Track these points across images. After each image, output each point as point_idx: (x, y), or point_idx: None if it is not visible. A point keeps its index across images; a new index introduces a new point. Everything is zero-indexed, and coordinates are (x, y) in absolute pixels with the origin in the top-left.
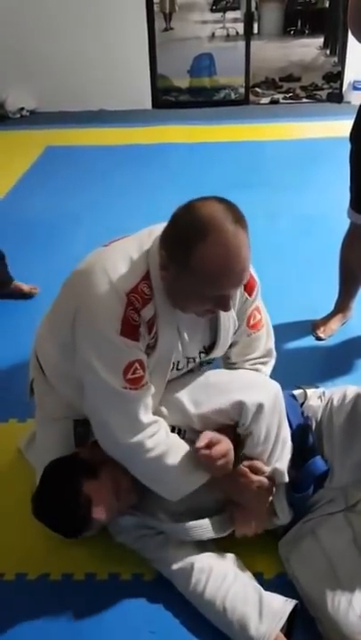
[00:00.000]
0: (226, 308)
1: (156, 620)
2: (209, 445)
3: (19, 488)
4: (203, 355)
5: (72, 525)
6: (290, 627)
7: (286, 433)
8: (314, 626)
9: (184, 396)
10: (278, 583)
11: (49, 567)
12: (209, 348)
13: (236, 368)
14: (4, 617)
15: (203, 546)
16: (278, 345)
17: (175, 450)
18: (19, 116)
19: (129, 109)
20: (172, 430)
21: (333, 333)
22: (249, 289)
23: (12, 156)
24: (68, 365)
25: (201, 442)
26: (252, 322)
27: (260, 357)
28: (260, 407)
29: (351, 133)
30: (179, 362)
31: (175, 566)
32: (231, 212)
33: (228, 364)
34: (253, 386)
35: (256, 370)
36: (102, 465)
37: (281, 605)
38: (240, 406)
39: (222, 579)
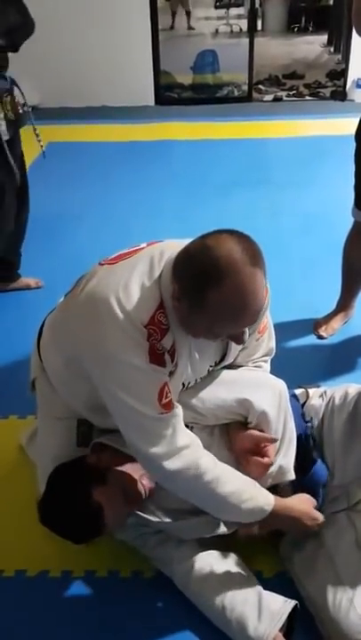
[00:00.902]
0: (240, 343)
1: (155, 617)
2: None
3: (20, 485)
4: (212, 367)
5: (83, 532)
6: (290, 627)
7: (292, 431)
8: (314, 626)
9: (191, 393)
10: (278, 582)
11: (48, 564)
12: (219, 362)
13: (238, 366)
14: (3, 613)
15: (203, 544)
16: (280, 343)
17: (229, 475)
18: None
19: (132, 106)
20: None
21: (335, 332)
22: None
23: None
24: (71, 377)
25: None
26: (261, 327)
27: (262, 357)
28: (266, 405)
29: (357, 132)
30: (189, 382)
31: (175, 564)
32: (248, 251)
33: (231, 364)
34: (260, 384)
35: (258, 367)
36: (109, 470)
37: (280, 606)
38: (247, 404)
39: (222, 577)
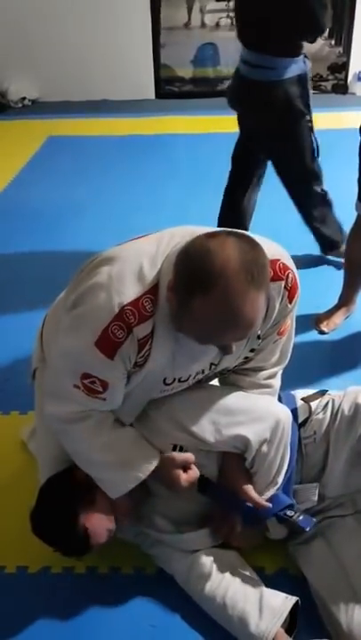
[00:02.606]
0: (227, 353)
1: (156, 613)
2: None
3: (21, 480)
4: (213, 366)
5: (71, 551)
6: (292, 623)
7: (285, 465)
8: (316, 622)
9: (187, 417)
10: (279, 578)
11: (50, 560)
12: (218, 361)
13: (248, 382)
14: (4, 609)
15: None
16: None
17: (113, 436)
18: (21, 105)
19: (132, 99)
20: (174, 449)
21: (337, 327)
22: (292, 296)
23: (14, 145)
24: None
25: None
26: (282, 328)
27: (275, 364)
28: (263, 443)
29: None
30: (181, 378)
31: (176, 562)
32: (248, 265)
33: (241, 373)
34: (261, 418)
35: (268, 386)
36: (98, 488)
37: (281, 603)
38: (245, 441)
39: (223, 574)
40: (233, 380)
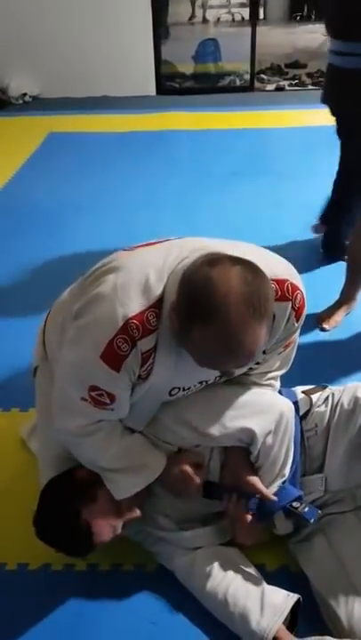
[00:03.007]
0: (228, 376)
1: (157, 610)
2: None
3: (21, 478)
4: (218, 378)
5: (75, 551)
6: (293, 620)
7: (290, 456)
8: (317, 619)
9: (194, 415)
10: (280, 576)
11: (51, 557)
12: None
13: (251, 382)
14: (5, 607)
15: None
16: None
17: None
18: (21, 101)
19: (133, 95)
20: (179, 450)
21: (338, 325)
22: (299, 315)
23: (15, 142)
24: None
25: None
26: (287, 342)
27: (278, 369)
28: (268, 435)
29: None
30: (183, 387)
31: (177, 559)
32: (249, 297)
33: (244, 375)
34: (263, 410)
35: (270, 385)
36: (101, 484)
37: (283, 600)
38: (250, 434)
39: (224, 571)
40: (236, 381)
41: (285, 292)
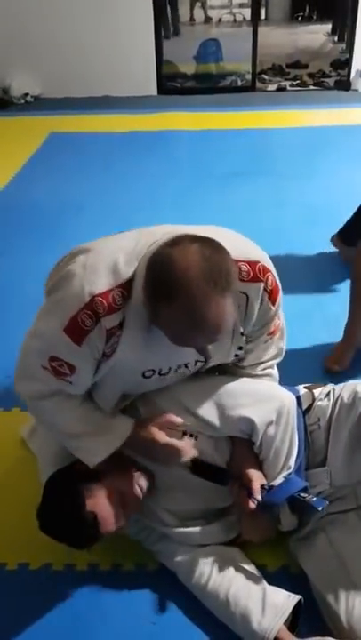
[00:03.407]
0: (203, 355)
1: (158, 610)
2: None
3: (21, 477)
4: (199, 363)
5: (81, 541)
6: (295, 621)
7: (295, 448)
8: (319, 620)
9: (193, 401)
10: (281, 576)
11: (51, 557)
12: (205, 360)
13: (246, 373)
14: (5, 607)
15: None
16: None
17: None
18: (23, 101)
19: (134, 96)
20: (184, 433)
21: (348, 366)
22: (273, 298)
23: (16, 142)
24: None
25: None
26: (272, 328)
27: (271, 359)
28: (270, 425)
29: None
30: (160, 370)
31: (178, 558)
32: (210, 272)
33: (238, 367)
34: (264, 399)
35: (267, 375)
36: (103, 475)
37: (284, 600)
38: (250, 424)
39: (226, 571)
40: (231, 372)
41: (257, 272)
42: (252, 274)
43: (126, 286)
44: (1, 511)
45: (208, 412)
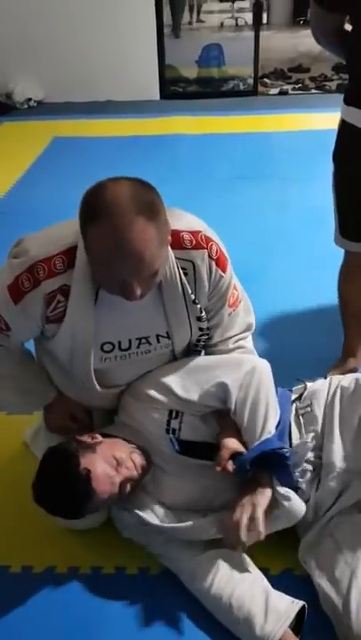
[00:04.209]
0: (128, 296)
1: (161, 614)
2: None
3: (25, 481)
4: (163, 338)
5: (75, 503)
6: (298, 626)
7: (272, 410)
8: (323, 625)
9: (173, 381)
10: (285, 579)
11: (55, 560)
12: (167, 335)
13: (219, 350)
14: (9, 609)
15: (210, 541)
16: (283, 337)
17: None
18: (26, 106)
19: (137, 100)
20: (170, 413)
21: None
22: (222, 265)
23: (20, 146)
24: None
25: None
26: (231, 300)
27: (240, 333)
28: (241, 387)
29: (334, 152)
30: (120, 343)
31: (182, 562)
32: (137, 199)
33: (210, 346)
34: (236, 365)
35: (240, 347)
36: (101, 443)
37: (287, 606)
38: (224, 387)
39: (229, 575)
40: (207, 353)
41: (200, 240)
42: (194, 241)
43: (68, 253)
44: (5, 514)
45: (187, 389)
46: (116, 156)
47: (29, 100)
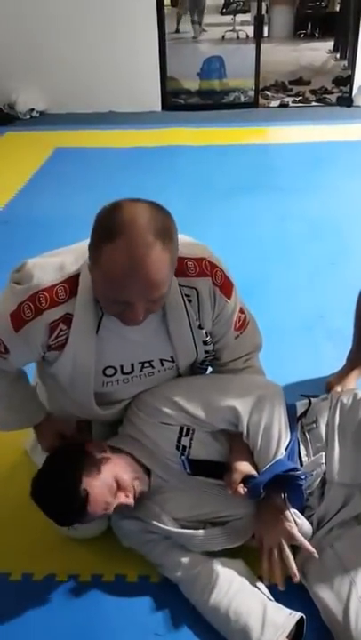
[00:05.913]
0: (131, 320)
1: (161, 622)
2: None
3: (25, 489)
4: (167, 362)
5: (66, 516)
6: (299, 636)
7: (285, 433)
8: (323, 636)
9: (184, 398)
10: (284, 589)
11: (55, 568)
12: (172, 359)
13: (228, 370)
14: (9, 617)
15: (209, 552)
16: (284, 351)
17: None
18: (29, 117)
19: (138, 111)
20: (181, 430)
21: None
22: (226, 291)
23: (22, 156)
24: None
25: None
26: (238, 324)
27: (248, 354)
28: (253, 411)
29: None
30: (123, 367)
31: (181, 572)
32: (155, 222)
33: (218, 365)
34: (247, 389)
35: (249, 366)
36: (107, 461)
37: (285, 619)
38: (235, 412)
39: (228, 586)
40: (216, 372)
41: (204, 268)
42: (198, 269)
43: (71, 281)
44: (5, 522)
45: (197, 407)
46: (117, 166)
47: (32, 110)
